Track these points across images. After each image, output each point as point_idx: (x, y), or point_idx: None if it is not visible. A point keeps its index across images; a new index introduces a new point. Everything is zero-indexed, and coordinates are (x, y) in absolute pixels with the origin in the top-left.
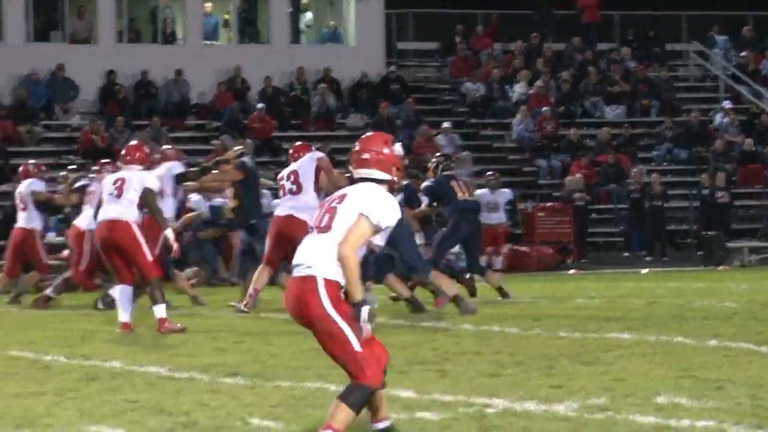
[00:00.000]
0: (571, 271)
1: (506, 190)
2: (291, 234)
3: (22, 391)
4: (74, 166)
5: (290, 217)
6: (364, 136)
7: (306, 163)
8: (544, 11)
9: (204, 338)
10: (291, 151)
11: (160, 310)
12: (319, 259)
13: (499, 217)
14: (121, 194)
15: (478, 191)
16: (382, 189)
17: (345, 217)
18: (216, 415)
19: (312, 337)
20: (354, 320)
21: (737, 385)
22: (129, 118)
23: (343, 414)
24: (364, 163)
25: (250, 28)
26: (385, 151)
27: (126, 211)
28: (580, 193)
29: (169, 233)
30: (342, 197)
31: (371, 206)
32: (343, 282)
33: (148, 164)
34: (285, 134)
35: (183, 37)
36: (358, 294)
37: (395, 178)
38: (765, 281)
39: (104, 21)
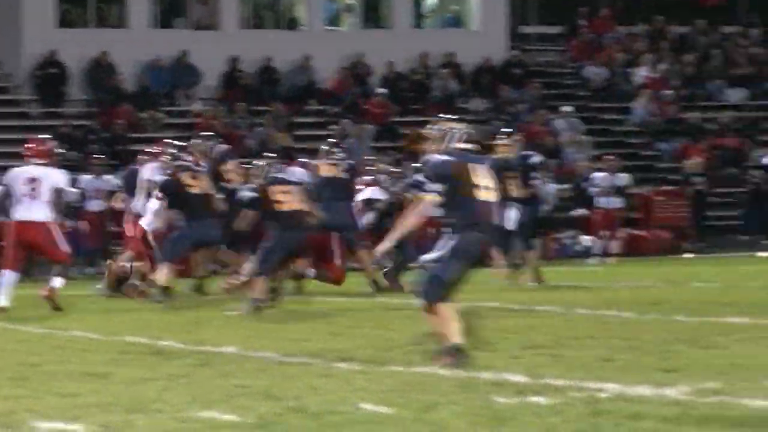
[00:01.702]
0: (688, 255)
1: (624, 174)
2: None
3: (135, 376)
4: None
5: None
6: None
7: None
8: None
9: (319, 323)
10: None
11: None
12: None
13: (615, 201)
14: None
15: (596, 174)
16: None
17: None
18: (326, 400)
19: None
20: None
21: None
22: (251, 104)
23: None
24: None
25: (373, 13)
26: None
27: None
28: (699, 177)
29: None
30: None
31: None
32: None
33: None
34: (404, 119)
35: (306, 23)
36: None
37: None
38: None
39: (228, 7)
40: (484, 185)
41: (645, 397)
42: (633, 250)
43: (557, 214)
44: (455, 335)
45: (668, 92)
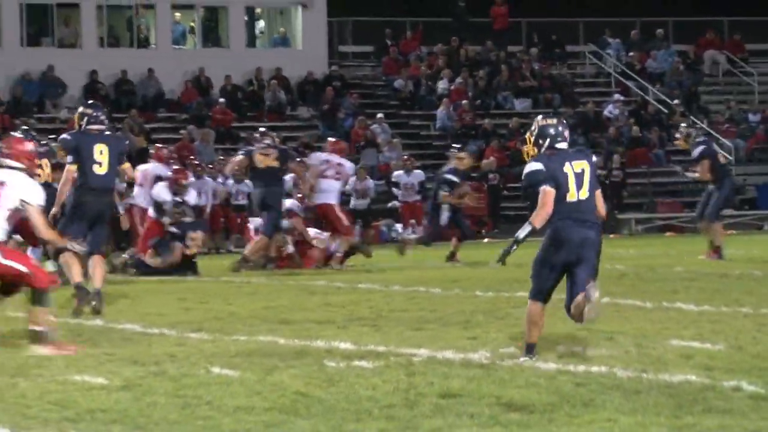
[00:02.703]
0: (486, 240)
1: (419, 171)
2: None
3: (19, 346)
4: None
5: None
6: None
7: None
8: (462, 19)
9: (174, 299)
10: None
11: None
12: None
13: (415, 196)
14: None
15: (397, 172)
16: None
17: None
18: (182, 365)
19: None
20: None
21: (625, 336)
22: (110, 112)
23: None
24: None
25: (212, 35)
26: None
27: None
28: (493, 174)
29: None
30: None
31: None
32: None
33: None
34: (242, 125)
35: (155, 42)
36: None
37: None
38: (649, 247)
39: (87, 28)
40: None
41: (452, 360)
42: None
43: (376, 206)
44: None
45: (464, 102)
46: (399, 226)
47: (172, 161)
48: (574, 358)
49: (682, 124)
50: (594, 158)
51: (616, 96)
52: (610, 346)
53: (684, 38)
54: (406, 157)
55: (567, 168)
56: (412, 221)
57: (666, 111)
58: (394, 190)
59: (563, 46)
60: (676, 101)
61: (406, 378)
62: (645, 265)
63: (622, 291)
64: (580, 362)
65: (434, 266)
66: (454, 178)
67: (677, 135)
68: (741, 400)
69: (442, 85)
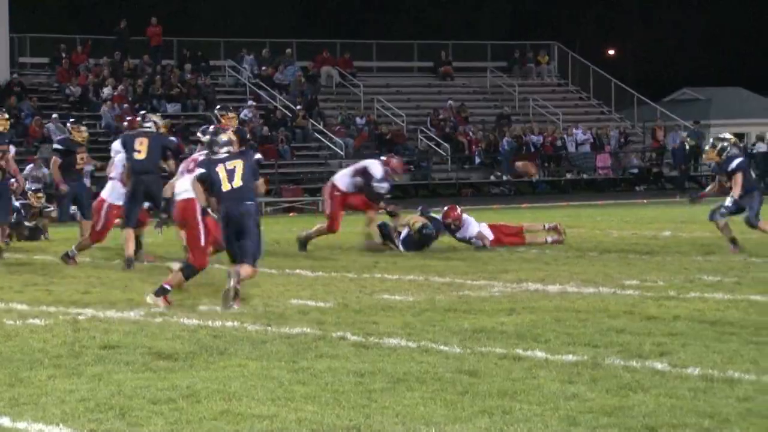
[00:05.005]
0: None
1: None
2: None
3: None
4: None
5: None
6: None
7: None
8: (124, 37)
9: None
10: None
11: None
12: None
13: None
14: None
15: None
16: None
17: None
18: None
19: None
20: None
21: (255, 297)
22: None
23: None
24: None
25: None
26: None
27: None
28: None
29: None
30: None
31: None
32: None
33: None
34: None
35: None
36: None
37: None
38: (276, 225)
39: None
40: None
41: (112, 318)
42: None
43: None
44: None
45: (125, 105)
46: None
47: None
48: (212, 315)
49: (718, 136)
50: (256, 156)
51: (250, 102)
52: (242, 305)
53: (305, 56)
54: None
55: (220, 168)
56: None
57: (291, 115)
58: None
59: (207, 60)
60: (299, 107)
61: (72, 333)
62: (271, 240)
63: None
64: (216, 318)
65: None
66: (61, 147)
67: (708, 147)
68: (346, 347)
69: (107, 91)
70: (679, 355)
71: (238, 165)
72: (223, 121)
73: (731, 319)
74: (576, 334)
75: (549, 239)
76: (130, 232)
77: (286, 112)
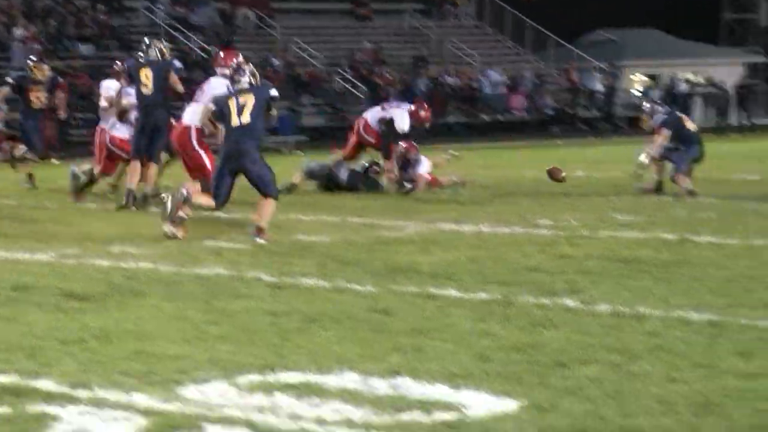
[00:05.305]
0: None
1: None
2: None
3: None
4: None
5: None
6: None
7: None
8: None
9: None
10: None
11: None
12: None
13: None
14: None
15: None
16: None
17: None
18: None
19: None
20: None
21: (172, 240)
22: None
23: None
24: None
25: None
26: None
27: None
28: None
29: None
30: None
31: None
32: None
33: None
34: None
35: None
36: None
37: None
38: None
39: None
40: None
41: (24, 259)
42: None
43: None
44: None
45: (37, 46)
46: None
47: None
48: (125, 256)
49: (645, 104)
50: (271, 92)
51: (165, 44)
52: (155, 247)
53: None
54: None
55: (232, 101)
56: None
57: (206, 56)
58: None
59: (121, 0)
60: (215, 49)
61: None
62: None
63: None
64: (129, 259)
65: None
66: (11, 81)
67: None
68: (261, 288)
69: (18, 31)
70: (591, 292)
71: (249, 100)
72: (34, 71)
73: (643, 257)
74: (489, 273)
75: (454, 178)
76: (135, 164)
77: (202, 53)
